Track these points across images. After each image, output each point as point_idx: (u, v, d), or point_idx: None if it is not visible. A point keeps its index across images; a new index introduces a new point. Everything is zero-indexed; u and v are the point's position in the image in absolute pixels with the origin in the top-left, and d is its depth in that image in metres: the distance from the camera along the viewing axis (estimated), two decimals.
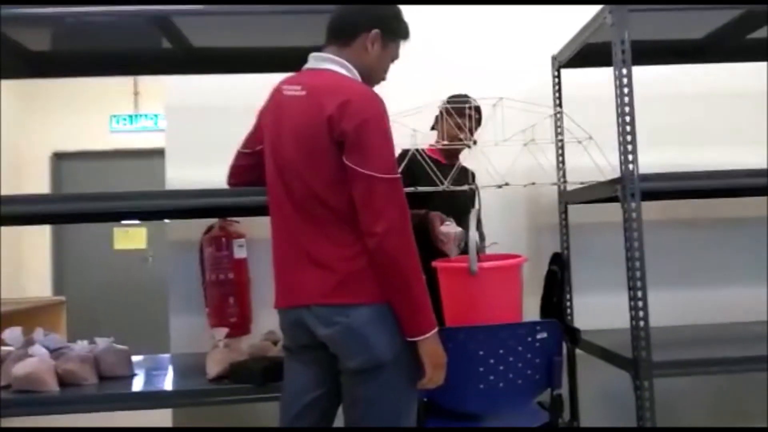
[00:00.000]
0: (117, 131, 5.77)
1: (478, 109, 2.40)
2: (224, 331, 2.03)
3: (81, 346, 2.00)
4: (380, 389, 1.45)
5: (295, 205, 1.51)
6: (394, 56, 1.66)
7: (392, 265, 1.42)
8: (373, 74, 1.62)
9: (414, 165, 2.16)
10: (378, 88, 1.56)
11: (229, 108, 2.55)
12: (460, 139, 2.29)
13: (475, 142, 2.25)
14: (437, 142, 2.45)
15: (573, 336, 2.19)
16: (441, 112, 2.37)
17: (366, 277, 1.45)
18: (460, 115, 2.32)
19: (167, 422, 2.64)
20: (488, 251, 2.11)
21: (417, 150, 2.18)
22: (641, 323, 1.88)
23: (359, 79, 1.57)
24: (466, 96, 2.39)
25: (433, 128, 2.45)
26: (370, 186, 1.42)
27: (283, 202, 1.54)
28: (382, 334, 1.44)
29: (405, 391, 1.49)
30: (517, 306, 1.97)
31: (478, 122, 2.41)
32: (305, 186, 1.49)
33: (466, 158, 2.42)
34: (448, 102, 2.37)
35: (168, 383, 2.08)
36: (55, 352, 1.95)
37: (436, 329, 1.47)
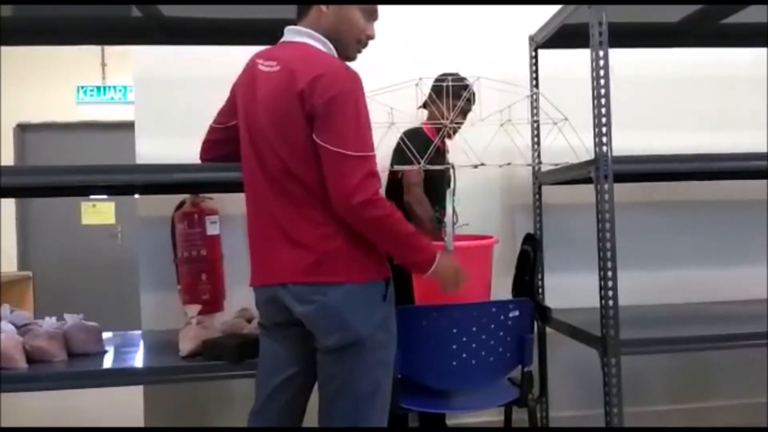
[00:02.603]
0: (84, 102, 5.60)
1: (468, 88, 2.37)
2: (197, 308, 2.01)
3: (49, 322, 1.96)
4: (355, 366, 1.46)
5: (270, 181, 1.49)
6: (367, 10, 1.57)
7: (377, 228, 1.44)
8: (342, 35, 1.55)
9: (417, 144, 2.16)
10: (354, 66, 1.53)
11: (201, 80, 2.50)
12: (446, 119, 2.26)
13: (452, 122, 2.25)
14: (429, 120, 2.42)
15: (544, 314, 2.23)
16: (444, 89, 2.29)
17: (342, 255, 1.45)
18: (454, 96, 2.28)
19: (139, 400, 2.62)
20: (458, 231, 2.12)
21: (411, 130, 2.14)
22: (610, 302, 1.92)
23: (333, 50, 1.54)
24: (456, 74, 2.36)
25: (424, 106, 2.42)
26: (342, 164, 1.40)
27: (258, 179, 1.52)
28: (358, 312, 1.45)
29: (380, 369, 1.50)
30: (486, 285, 1.99)
31: (470, 102, 2.39)
32: (279, 162, 1.47)
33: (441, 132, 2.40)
34: (442, 81, 2.32)
35: (139, 360, 2.05)
36: (22, 329, 1.91)
37: (437, 256, 1.53)
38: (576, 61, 2.33)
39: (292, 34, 1.56)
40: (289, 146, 1.45)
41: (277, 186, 1.48)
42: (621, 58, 2.20)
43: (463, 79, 2.36)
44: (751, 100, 2.87)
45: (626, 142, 2.17)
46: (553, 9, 2.31)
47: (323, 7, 1.53)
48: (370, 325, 1.45)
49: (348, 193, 1.39)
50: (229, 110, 1.69)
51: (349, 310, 1.44)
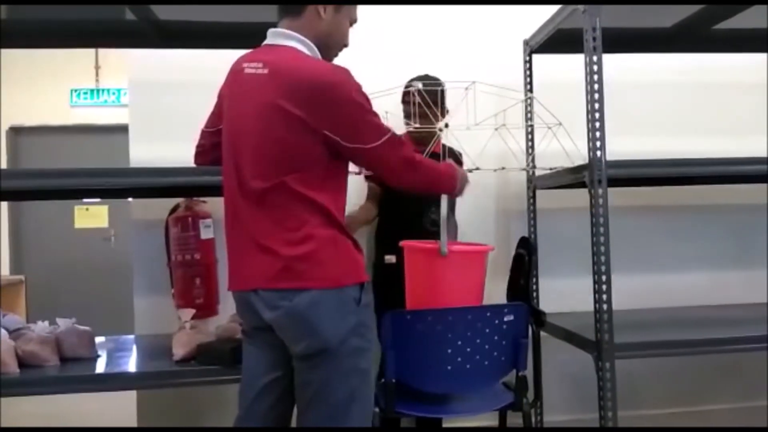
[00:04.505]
0: (78, 106, 5.58)
1: (438, 92, 2.33)
2: (190, 312, 2.01)
3: (42, 326, 1.94)
4: (328, 374, 1.44)
5: (242, 186, 1.49)
6: (352, 19, 1.62)
7: (425, 186, 1.70)
8: (332, 41, 1.58)
9: None
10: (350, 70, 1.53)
11: (195, 84, 2.47)
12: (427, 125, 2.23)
13: (446, 125, 2.24)
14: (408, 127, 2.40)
15: (538, 318, 2.22)
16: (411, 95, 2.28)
17: (310, 261, 1.43)
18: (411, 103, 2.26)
19: (132, 405, 2.60)
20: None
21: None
22: (604, 306, 1.92)
23: (318, 54, 1.54)
24: (426, 76, 2.34)
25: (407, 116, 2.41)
26: (374, 155, 1.50)
27: (233, 184, 1.52)
28: (326, 318, 1.43)
29: (356, 377, 1.47)
30: (479, 291, 1.99)
31: (436, 104, 2.35)
32: (253, 167, 1.47)
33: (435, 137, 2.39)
34: (410, 86, 2.29)
35: (132, 365, 2.04)
36: (14, 333, 1.89)
37: (456, 175, 1.76)
38: (570, 65, 2.34)
39: (274, 37, 1.55)
40: (269, 149, 1.45)
41: (248, 190, 1.48)
42: (615, 63, 2.21)
43: (436, 79, 2.34)
44: (745, 105, 2.88)
45: (620, 146, 2.17)
46: (548, 14, 2.32)
47: (321, 12, 1.53)
48: (340, 331, 1.44)
49: (397, 178, 1.59)
50: (217, 114, 1.69)
51: (316, 317, 1.42)
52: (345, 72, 1.47)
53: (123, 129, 2.70)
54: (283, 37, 1.54)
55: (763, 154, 2.26)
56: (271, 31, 1.57)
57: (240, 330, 2.01)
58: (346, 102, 1.45)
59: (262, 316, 1.47)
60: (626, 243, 2.54)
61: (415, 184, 1.65)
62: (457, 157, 2.34)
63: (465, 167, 2.11)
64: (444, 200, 1.95)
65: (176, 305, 2.30)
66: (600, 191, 1.94)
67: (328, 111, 1.43)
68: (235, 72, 1.57)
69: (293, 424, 1.60)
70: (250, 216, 1.48)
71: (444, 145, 2.21)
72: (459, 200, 2.48)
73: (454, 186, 1.76)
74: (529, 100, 2.54)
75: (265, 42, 1.57)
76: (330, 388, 1.45)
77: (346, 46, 1.63)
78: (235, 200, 1.51)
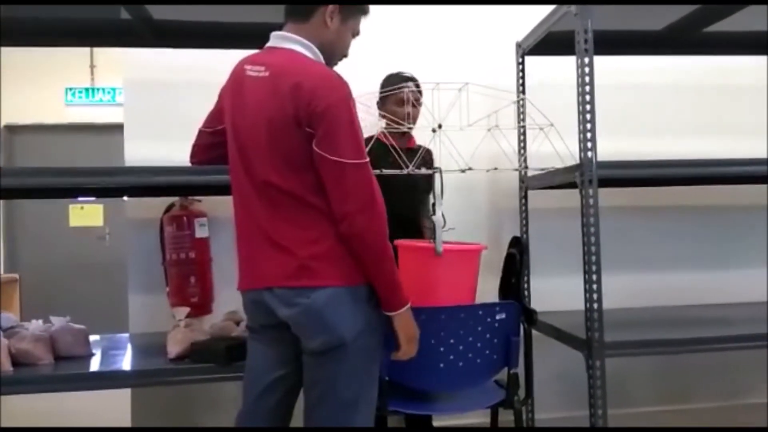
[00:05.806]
0: (72, 104, 5.57)
1: (417, 86, 2.38)
2: (185, 310, 2.01)
3: (36, 325, 1.95)
4: (340, 370, 1.46)
5: (255, 186, 1.50)
6: (355, 31, 1.63)
7: (365, 240, 1.44)
8: (335, 50, 1.60)
9: (375, 149, 2.16)
10: (342, 72, 1.55)
11: (191, 83, 2.50)
12: (401, 123, 2.26)
13: (440, 126, 2.26)
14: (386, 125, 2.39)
15: (530, 317, 2.25)
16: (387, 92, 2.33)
17: (326, 259, 1.45)
18: (399, 100, 2.31)
19: (126, 403, 2.61)
20: (444, 236, 2.13)
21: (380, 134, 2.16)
22: (595, 305, 1.94)
23: (322, 59, 1.55)
24: (400, 74, 2.38)
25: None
26: (340, 171, 1.42)
27: (244, 184, 1.53)
28: (342, 315, 1.45)
29: (365, 373, 1.50)
30: (472, 290, 2.01)
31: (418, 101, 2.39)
32: (264, 167, 1.48)
33: (431, 138, 2.42)
34: (386, 84, 2.35)
35: (127, 363, 2.04)
36: (8, 331, 1.90)
37: (408, 305, 1.51)
38: (562, 67, 2.36)
39: (278, 40, 1.56)
40: (275, 151, 1.46)
41: (261, 190, 1.49)
42: (606, 65, 2.23)
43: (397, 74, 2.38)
44: (736, 107, 2.91)
45: (611, 147, 2.20)
46: (540, 16, 2.34)
47: (328, 20, 1.54)
48: (354, 328, 1.46)
49: (344, 199, 1.42)
50: (217, 114, 1.70)
51: (333, 313, 1.45)
52: (345, 82, 1.48)
53: (118, 128, 2.71)
54: (287, 41, 1.54)
55: (753, 156, 2.29)
56: (274, 33, 1.58)
57: (235, 328, 2.04)
58: (339, 109, 1.43)
59: (277, 314, 1.49)
60: (616, 243, 2.56)
61: (363, 232, 1.43)
62: (431, 157, 2.39)
63: (456, 167, 2.13)
64: (438, 202, 1.97)
65: (171, 304, 2.31)
66: (591, 191, 1.96)
67: (315, 108, 1.42)
68: (237, 74, 1.58)
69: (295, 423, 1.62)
70: (264, 215, 1.49)
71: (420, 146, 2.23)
72: (452, 200, 2.51)
73: (398, 301, 1.50)
74: (521, 102, 2.56)
75: (268, 44, 1.58)
76: (339, 386, 1.46)
77: (345, 56, 1.64)
78: (249, 200, 1.52)
